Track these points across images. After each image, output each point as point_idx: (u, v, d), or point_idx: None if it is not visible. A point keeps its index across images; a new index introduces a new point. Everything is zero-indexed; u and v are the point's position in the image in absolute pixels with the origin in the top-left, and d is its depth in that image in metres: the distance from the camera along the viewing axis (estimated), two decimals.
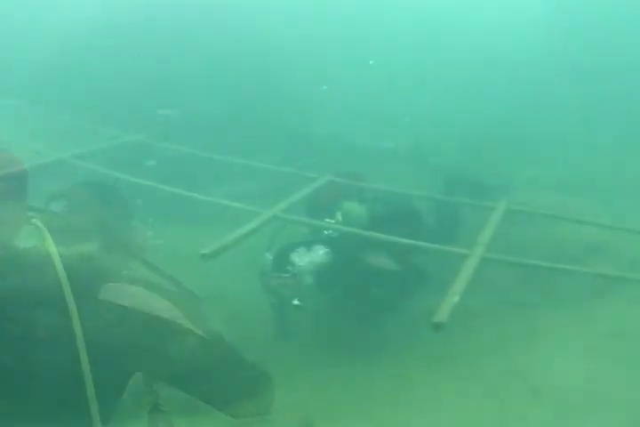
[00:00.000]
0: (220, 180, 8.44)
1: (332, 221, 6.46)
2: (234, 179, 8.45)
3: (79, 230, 5.45)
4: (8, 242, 3.21)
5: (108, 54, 9.31)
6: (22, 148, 6.80)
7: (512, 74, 11.38)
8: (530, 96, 11.21)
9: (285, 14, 10.57)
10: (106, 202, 4.68)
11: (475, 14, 11.85)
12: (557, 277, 6.42)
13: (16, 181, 3.40)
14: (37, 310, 3.28)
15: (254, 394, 5.12)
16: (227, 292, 6.59)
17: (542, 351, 5.93)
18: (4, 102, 8.47)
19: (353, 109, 10.35)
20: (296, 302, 5.96)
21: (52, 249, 3.23)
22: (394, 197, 7.36)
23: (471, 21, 11.71)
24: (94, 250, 5.08)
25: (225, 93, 9.64)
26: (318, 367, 6.03)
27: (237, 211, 6.52)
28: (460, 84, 11.06)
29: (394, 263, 6.20)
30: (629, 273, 6.27)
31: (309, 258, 6.07)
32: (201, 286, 6.09)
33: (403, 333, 6.35)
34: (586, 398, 5.19)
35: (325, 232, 6.40)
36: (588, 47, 11.30)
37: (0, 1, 10.07)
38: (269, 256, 6.26)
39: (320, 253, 6.11)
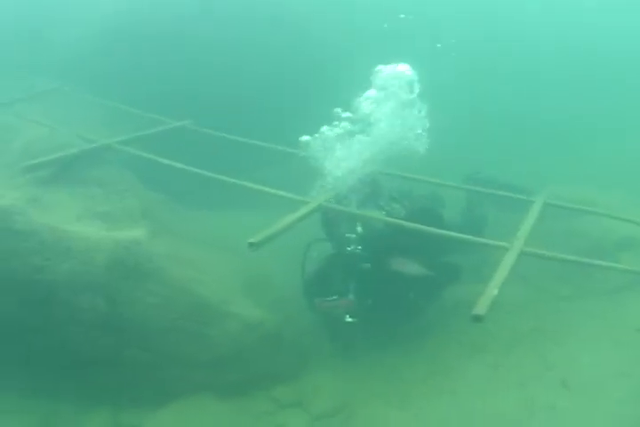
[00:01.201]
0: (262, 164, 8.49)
1: (353, 236, 6.27)
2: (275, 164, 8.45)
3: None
4: None
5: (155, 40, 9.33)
6: (69, 133, 7.10)
7: None
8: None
9: None
10: None
11: None
12: (591, 271, 6.46)
13: None
14: None
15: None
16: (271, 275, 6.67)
17: (573, 343, 6.02)
18: (49, 86, 8.62)
19: None
20: (349, 318, 5.93)
21: None
22: (414, 201, 7.21)
23: None
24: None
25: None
26: (357, 354, 6.18)
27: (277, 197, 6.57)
28: None
29: (422, 268, 6.17)
30: None
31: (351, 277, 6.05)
32: (245, 270, 6.34)
33: (440, 322, 6.46)
34: (614, 391, 5.30)
35: (349, 248, 6.19)
36: None
37: None
38: (311, 277, 6.23)
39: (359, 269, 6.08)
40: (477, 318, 4.57)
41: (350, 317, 5.93)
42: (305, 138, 6.61)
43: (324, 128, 6.62)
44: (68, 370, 5.89)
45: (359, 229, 6.34)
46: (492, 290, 4.81)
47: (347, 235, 6.27)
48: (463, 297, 6.16)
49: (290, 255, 6.38)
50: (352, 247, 6.17)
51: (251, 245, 5.38)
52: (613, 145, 10.72)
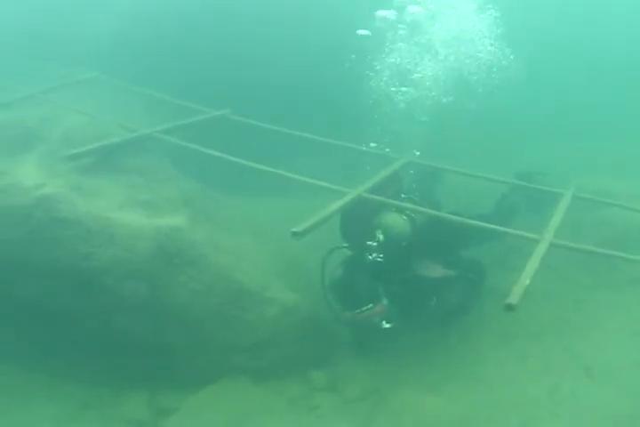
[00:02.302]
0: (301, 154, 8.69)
1: (374, 244, 6.10)
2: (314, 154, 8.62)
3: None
4: None
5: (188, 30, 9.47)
6: (109, 122, 7.24)
7: None
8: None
9: None
10: None
11: None
12: (615, 262, 6.65)
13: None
14: None
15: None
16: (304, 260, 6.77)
17: (597, 333, 6.24)
18: (86, 75, 8.70)
19: None
20: (386, 324, 5.84)
21: None
22: (437, 204, 7.10)
23: None
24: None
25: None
26: (391, 342, 6.29)
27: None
28: None
29: (445, 270, 6.18)
30: None
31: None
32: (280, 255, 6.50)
33: (472, 313, 6.57)
34: (635, 380, 5.56)
35: (370, 257, 6.01)
36: None
37: None
38: (336, 287, 6.00)
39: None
40: (510, 308, 4.71)
41: (387, 322, 5.85)
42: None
43: None
44: (109, 354, 6.11)
45: (380, 236, 6.17)
46: (525, 280, 4.96)
47: (367, 242, 6.14)
48: (492, 285, 6.43)
49: (320, 240, 6.29)
50: (374, 255, 6.03)
51: (294, 234, 5.51)
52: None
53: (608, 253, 5.88)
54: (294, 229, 5.52)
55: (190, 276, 5.83)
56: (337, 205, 6.08)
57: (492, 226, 6.14)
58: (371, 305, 5.69)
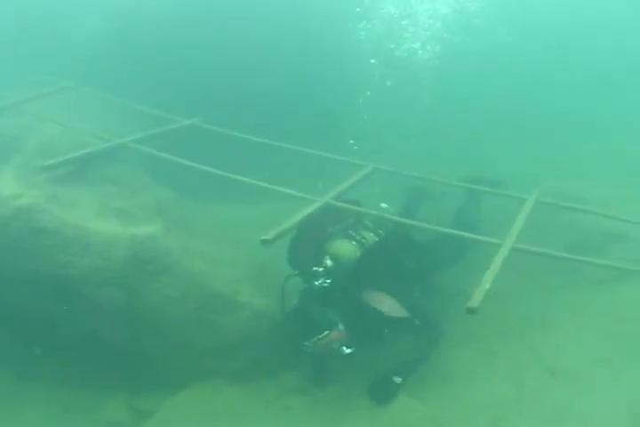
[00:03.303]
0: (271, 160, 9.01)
1: (321, 269, 6.13)
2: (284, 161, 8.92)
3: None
4: None
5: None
6: (84, 132, 7.46)
7: None
8: None
9: None
10: None
11: None
12: (579, 263, 6.84)
13: None
14: None
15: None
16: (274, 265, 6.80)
17: (560, 333, 6.51)
18: (60, 85, 8.94)
19: None
20: (347, 350, 5.78)
21: None
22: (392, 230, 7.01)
23: None
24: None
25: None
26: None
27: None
28: None
29: (399, 308, 6.10)
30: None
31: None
32: (251, 260, 6.85)
33: (437, 310, 6.72)
34: (597, 378, 5.83)
35: (317, 282, 6.01)
36: None
37: None
38: (291, 316, 6.00)
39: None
40: (472, 311, 5.09)
41: (347, 347, 5.80)
42: None
43: None
44: (88, 359, 6.40)
45: (328, 262, 6.21)
46: (485, 284, 5.33)
47: (314, 268, 6.15)
48: (460, 286, 6.74)
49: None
50: (320, 281, 6.03)
51: (264, 242, 5.82)
52: (605, 140, 11.17)
53: (569, 257, 6.26)
54: (264, 237, 5.83)
55: (165, 282, 6.05)
56: (304, 212, 6.39)
57: (455, 231, 6.52)
58: (327, 332, 5.68)
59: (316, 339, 5.67)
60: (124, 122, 8.42)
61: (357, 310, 5.96)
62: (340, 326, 5.76)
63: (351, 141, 9.16)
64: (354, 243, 6.47)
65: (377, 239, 6.66)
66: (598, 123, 11.63)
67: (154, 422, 6.22)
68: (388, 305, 6.03)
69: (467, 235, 6.44)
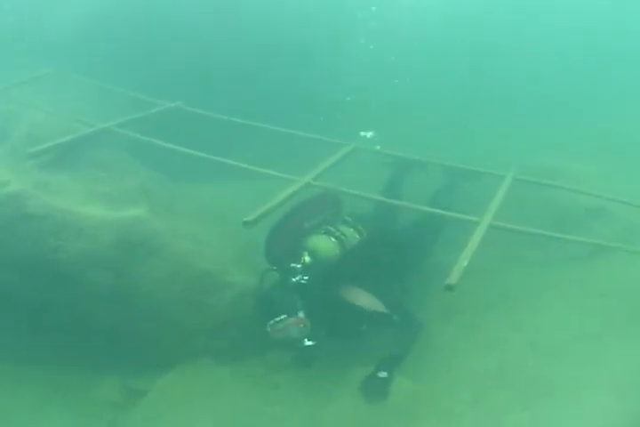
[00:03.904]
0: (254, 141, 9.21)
1: (298, 266, 6.18)
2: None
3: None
4: None
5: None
6: (67, 118, 7.59)
7: None
8: None
9: None
10: None
11: None
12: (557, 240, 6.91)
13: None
14: None
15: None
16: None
17: (541, 307, 6.66)
18: (41, 70, 8.99)
19: None
20: (308, 342, 5.86)
21: None
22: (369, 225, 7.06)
23: None
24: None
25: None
26: None
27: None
28: None
29: (377, 302, 6.14)
30: (624, 239, 7.15)
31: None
32: (238, 240, 7.05)
33: (420, 285, 6.97)
34: (577, 353, 5.95)
35: (294, 279, 6.04)
36: None
37: None
38: (258, 302, 6.16)
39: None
40: (450, 288, 5.25)
41: (309, 340, 5.85)
42: None
43: None
44: (79, 341, 6.57)
45: (306, 258, 6.27)
46: (463, 262, 5.50)
47: (292, 265, 6.18)
48: (442, 261, 6.61)
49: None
50: (298, 277, 6.06)
51: (245, 223, 5.94)
52: (587, 116, 11.38)
53: (546, 234, 6.44)
54: (245, 219, 5.96)
55: (154, 264, 6.23)
56: (286, 193, 6.51)
57: (433, 209, 6.66)
58: (284, 316, 5.74)
59: (272, 322, 5.77)
60: (105, 106, 8.49)
61: (334, 306, 6.05)
62: (301, 314, 5.79)
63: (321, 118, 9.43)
64: (333, 239, 6.53)
65: (357, 236, 6.72)
66: (581, 99, 11.80)
67: (147, 402, 6.43)
68: (365, 301, 6.11)
69: (446, 213, 6.58)
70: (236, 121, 8.47)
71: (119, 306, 6.35)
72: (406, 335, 6.16)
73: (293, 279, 6.05)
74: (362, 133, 8.77)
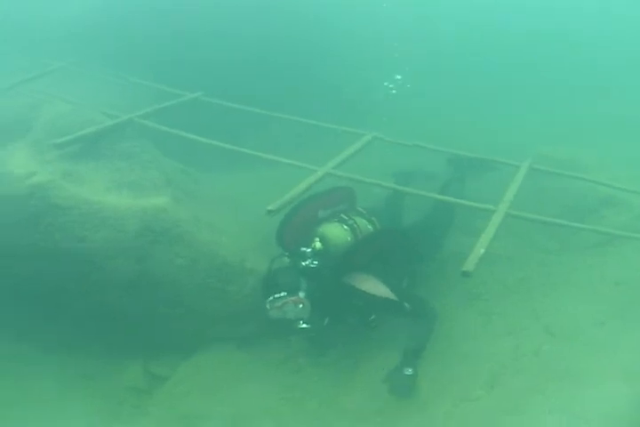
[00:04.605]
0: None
1: (308, 250, 6.16)
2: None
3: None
4: None
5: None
6: (91, 109, 7.72)
7: None
8: None
9: None
10: None
11: None
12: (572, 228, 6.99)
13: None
14: None
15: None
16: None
17: (557, 295, 6.75)
18: (58, 63, 9.17)
19: None
20: (303, 324, 5.87)
21: None
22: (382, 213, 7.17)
23: None
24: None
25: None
26: None
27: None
28: None
29: (387, 290, 6.11)
30: (638, 227, 7.11)
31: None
32: (257, 228, 7.19)
33: (438, 271, 7.12)
34: (592, 339, 6.01)
35: (303, 263, 6.04)
36: None
37: None
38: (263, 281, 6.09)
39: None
40: (466, 274, 5.37)
41: (304, 322, 5.87)
42: None
43: None
44: (102, 328, 6.77)
45: (317, 244, 6.24)
46: (480, 249, 5.63)
47: (302, 249, 6.18)
48: (458, 249, 6.83)
49: None
50: (307, 262, 6.05)
51: (269, 212, 6.08)
52: (600, 105, 11.47)
53: (560, 223, 6.49)
54: (269, 208, 6.09)
55: (176, 252, 6.40)
56: (307, 182, 6.64)
57: (449, 198, 6.75)
58: (284, 294, 5.78)
59: (272, 298, 5.80)
60: (126, 98, 8.64)
61: (341, 293, 6.09)
62: (301, 293, 5.82)
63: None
64: (345, 227, 6.50)
65: (369, 228, 6.70)
66: (595, 88, 11.87)
67: (169, 387, 6.67)
68: (372, 287, 6.10)
69: (463, 202, 6.68)
70: (256, 111, 8.58)
71: (142, 293, 6.54)
72: (422, 326, 6.16)
73: (303, 263, 6.05)
74: (381, 124, 8.81)
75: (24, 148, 7.02)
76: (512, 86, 11.89)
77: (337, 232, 6.41)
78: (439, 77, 11.61)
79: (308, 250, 6.15)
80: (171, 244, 6.43)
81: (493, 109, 11.38)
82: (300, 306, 5.82)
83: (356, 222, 6.59)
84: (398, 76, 10.94)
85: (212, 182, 8.26)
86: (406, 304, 6.09)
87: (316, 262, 6.05)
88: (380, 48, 11.44)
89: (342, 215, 6.65)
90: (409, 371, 5.88)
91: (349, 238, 6.42)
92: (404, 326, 6.23)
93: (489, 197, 6.77)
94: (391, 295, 6.05)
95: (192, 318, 6.73)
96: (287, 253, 6.29)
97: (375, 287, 6.08)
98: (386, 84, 10.96)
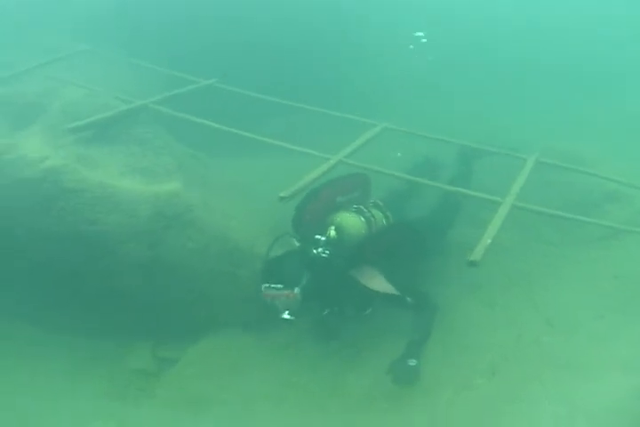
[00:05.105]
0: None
1: (323, 238, 6.15)
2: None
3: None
4: None
5: None
6: (106, 94, 7.79)
7: None
8: None
9: None
10: None
11: None
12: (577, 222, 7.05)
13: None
14: None
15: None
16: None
17: (558, 286, 6.87)
18: (76, 48, 9.22)
19: None
20: (287, 315, 5.78)
21: None
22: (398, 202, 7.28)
23: None
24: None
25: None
26: None
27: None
28: None
29: (390, 286, 6.11)
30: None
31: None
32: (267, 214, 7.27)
33: (442, 262, 7.19)
34: (591, 331, 6.13)
35: (315, 251, 6.04)
36: None
37: None
38: (268, 264, 5.96)
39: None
40: (473, 264, 5.51)
41: (289, 314, 5.78)
42: None
43: None
44: (112, 311, 6.87)
45: (332, 232, 6.23)
46: (486, 240, 5.76)
47: (316, 236, 6.17)
48: (463, 240, 6.99)
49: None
50: (320, 250, 6.04)
51: (281, 198, 6.18)
52: (608, 101, 11.52)
53: (565, 216, 6.65)
54: (282, 194, 6.20)
55: (188, 237, 6.50)
56: (320, 170, 6.75)
57: (457, 188, 6.88)
58: (281, 286, 5.71)
59: (268, 285, 5.74)
60: (141, 83, 8.71)
61: (343, 285, 6.09)
62: (297, 290, 5.71)
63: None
64: (362, 219, 6.48)
65: (384, 222, 6.72)
66: (602, 83, 11.92)
67: (177, 370, 6.78)
68: (374, 283, 6.10)
69: (469, 192, 6.81)
70: (269, 99, 8.68)
71: (154, 277, 6.63)
72: (424, 319, 6.23)
73: (314, 251, 6.04)
74: (394, 114, 8.89)
75: (38, 132, 7.08)
76: (524, 81, 11.95)
77: (353, 223, 6.41)
78: (451, 69, 11.63)
79: (323, 238, 6.15)
80: (183, 228, 6.53)
81: (504, 103, 11.39)
82: (291, 300, 5.78)
83: (373, 216, 6.61)
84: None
85: (225, 169, 8.33)
86: (408, 298, 6.15)
87: (327, 252, 6.05)
88: (396, 37, 11.49)
89: (361, 207, 6.65)
90: (412, 362, 5.95)
91: (363, 231, 6.43)
92: (406, 317, 6.31)
93: (496, 190, 6.87)
94: (394, 291, 6.08)
95: (201, 302, 6.83)
96: (298, 237, 6.29)
97: (379, 285, 6.10)
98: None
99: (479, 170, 8.29)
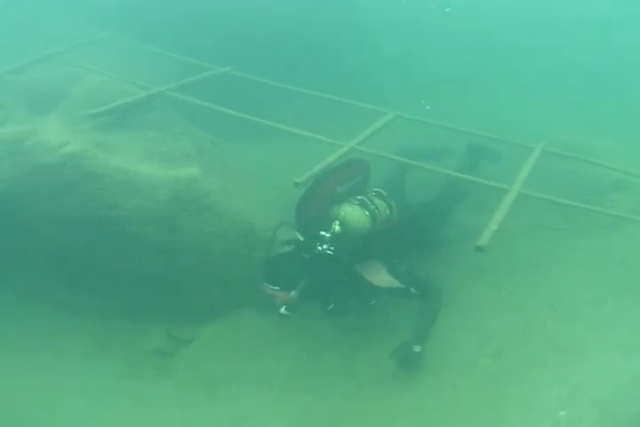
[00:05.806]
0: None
1: (327, 235, 6.05)
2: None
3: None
4: None
5: None
6: (124, 81, 7.89)
7: None
8: None
9: None
10: None
11: None
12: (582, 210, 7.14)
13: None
14: None
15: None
16: None
17: (562, 272, 7.01)
18: (96, 34, 9.31)
19: None
20: (284, 311, 5.80)
21: None
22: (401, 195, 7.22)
23: None
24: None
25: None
26: None
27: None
28: None
29: (393, 280, 6.18)
30: None
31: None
32: (282, 198, 7.31)
33: (449, 245, 7.35)
34: (593, 316, 6.31)
35: (320, 248, 5.95)
36: None
37: None
38: (270, 262, 5.99)
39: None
40: (480, 249, 5.63)
41: (286, 309, 5.81)
42: None
43: None
44: (129, 292, 7.07)
45: (337, 227, 6.12)
46: (493, 225, 5.87)
47: (321, 233, 6.08)
48: (469, 224, 6.99)
49: None
50: (325, 247, 5.96)
51: (296, 184, 6.25)
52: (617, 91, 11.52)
53: (570, 204, 6.78)
54: (297, 180, 6.29)
55: (206, 221, 6.65)
56: (334, 156, 6.80)
57: (464, 175, 6.99)
58: (277, 288, 5.76)
59: (267, 285, 5.81)
60: (159, 70, 8.80)
61: (347, 280, 6.15)
62: (293, 293, 5.77)
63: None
64: (367, 213, 6.32)
65: (387, 212, 6.59)
66: (610, 74, 11.94)
67: (191, 351, 6.99)
68: (381, 279, 6.15)
69: (477, 179, 6.91)
70: (283, 86, 8.76)
71: (170, 260, 6.81)
72: (429, 306, 6.29)
73: (319, 248, 5.95)
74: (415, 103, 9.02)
75: (58, 118, 7.19)
76: (533, 69, 12.05)
77: (357, 217, 6.26)
78: (462, 58, 11.74)
79: (327, 235, 6.06)
80: (200, 212, 6.68)
81: (513, 92, 11.51)
82: (288, 301, 5.82)
83: (377, 207, 6.47)
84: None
85: (241, 154, 8.41)
86: (412, 289, 6.22)
87: (332, 248, 5.97)
88: (409, 27, 11.64)
89: (364, 198, 6.50)
90: (417, 348, 6.05)
91: (368, 225, 6.29)
92: (413, 309, 6.42)
93: (502, 178, 6.95)
94: (398, 285, 6.16)
95: (217, 284, 7.01)
96: (299, 230, 6.27)
97: (383, 280, 6.16)
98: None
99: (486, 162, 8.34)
